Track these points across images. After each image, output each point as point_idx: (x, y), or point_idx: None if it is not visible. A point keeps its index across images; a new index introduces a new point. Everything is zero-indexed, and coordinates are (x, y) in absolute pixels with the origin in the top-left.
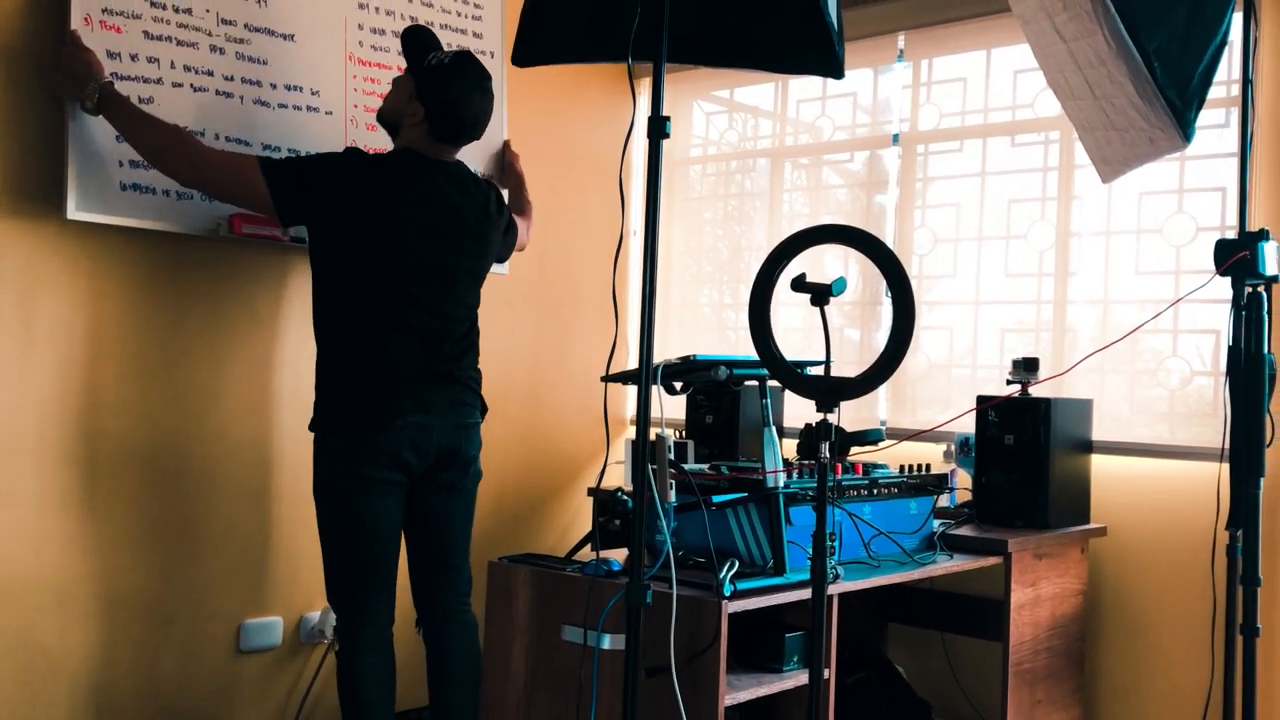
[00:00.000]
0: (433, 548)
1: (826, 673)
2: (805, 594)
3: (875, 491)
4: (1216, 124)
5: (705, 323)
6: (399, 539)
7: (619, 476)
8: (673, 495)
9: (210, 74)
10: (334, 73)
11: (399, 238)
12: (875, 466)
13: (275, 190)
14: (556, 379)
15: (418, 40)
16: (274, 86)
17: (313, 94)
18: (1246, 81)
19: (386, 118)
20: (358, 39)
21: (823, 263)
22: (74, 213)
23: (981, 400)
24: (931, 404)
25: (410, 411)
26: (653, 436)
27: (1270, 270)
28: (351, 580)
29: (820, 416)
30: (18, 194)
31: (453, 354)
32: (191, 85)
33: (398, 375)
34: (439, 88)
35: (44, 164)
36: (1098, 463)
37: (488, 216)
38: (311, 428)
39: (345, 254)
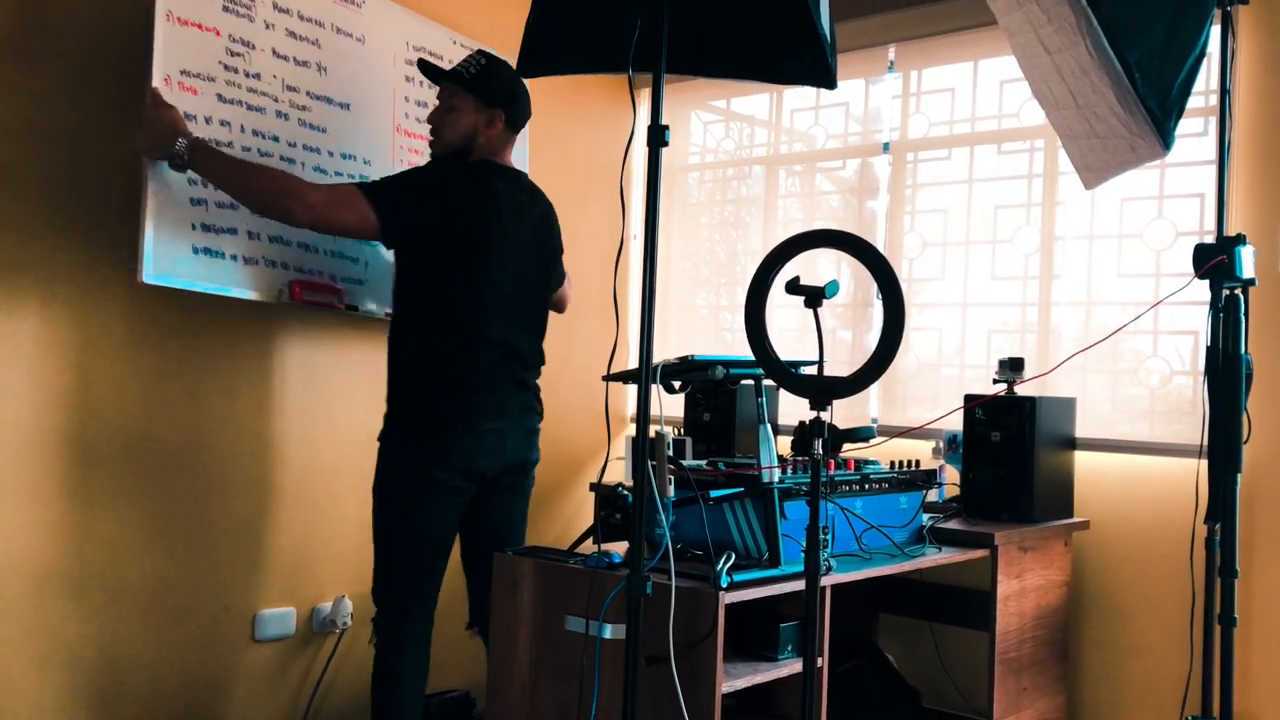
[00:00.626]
0: (495, 548)
1: (819, 661)
2: (799, 585)
3: (866, 487)
4: (1195, 132)
5: (703, 324)
6: (453, 545)
7: (620, 472)
8: (671, 490)
9: (276, 140)
10: (384, 142)
11: (492, 246)
12: (867, 463)
13: (382, 215)
14: (559, 378)
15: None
16: (331, 154)
17: (365, 163)
18: (1224, 91)
19: (459, 143)
20: (404, 110)
21: (816, 266)
22: (148, 277)
23: (969, 399)
24: (921, 402)
25: (493, 418)
26: (652, 434)
27: (1247, 273)
28: (405, 582)
29: (814, 414)
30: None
31: (526, 361)
32: (259, 150)
33: (481, 383)
34: (499, 85)
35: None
36: (1081, 459)
37: (551, 226)
38: (383, 435)
39: (441, 264)
